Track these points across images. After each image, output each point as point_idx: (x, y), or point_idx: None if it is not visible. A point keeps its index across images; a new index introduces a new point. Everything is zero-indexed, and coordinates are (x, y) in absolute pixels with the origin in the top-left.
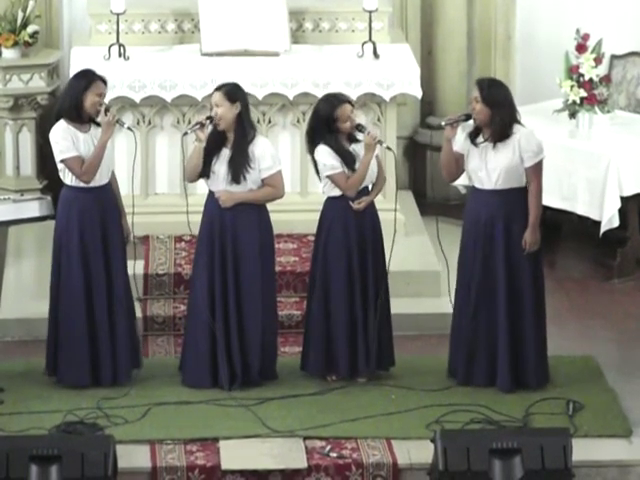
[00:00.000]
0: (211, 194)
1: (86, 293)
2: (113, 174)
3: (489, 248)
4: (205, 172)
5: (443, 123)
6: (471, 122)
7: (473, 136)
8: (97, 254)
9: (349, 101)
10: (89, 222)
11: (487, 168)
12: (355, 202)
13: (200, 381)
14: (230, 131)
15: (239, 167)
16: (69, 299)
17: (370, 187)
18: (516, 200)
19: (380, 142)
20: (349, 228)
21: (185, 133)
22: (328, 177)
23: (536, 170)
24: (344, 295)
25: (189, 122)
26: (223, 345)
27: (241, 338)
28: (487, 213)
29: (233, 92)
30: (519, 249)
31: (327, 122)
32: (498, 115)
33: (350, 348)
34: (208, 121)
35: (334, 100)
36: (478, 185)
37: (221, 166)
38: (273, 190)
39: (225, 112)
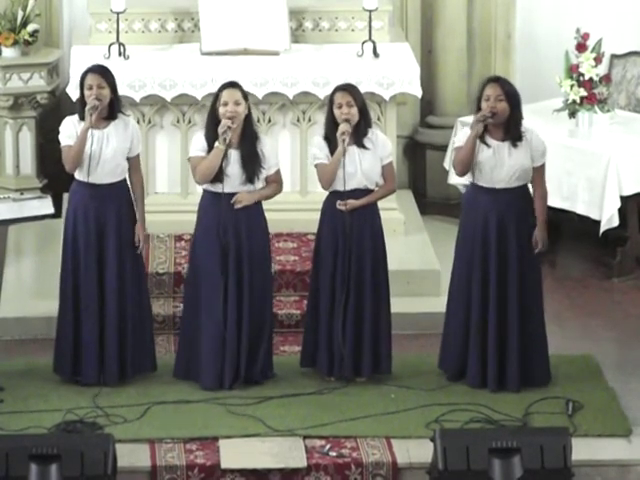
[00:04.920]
0: (214, 195)
1: (74, 291)
2: (139, 179)
3: (503, 246)
4: (218, 176)
5: (478, 119)
6: (467, 119)
7: (480, 135)
8: (89, 249)
9: (345, 89)
10: (82, 218)
11: (504, 167)
12: (339, 202)
13: (215, 382)
14: (236, 131)
15: (254, 167)
16: (63, 295)
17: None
18: (524, 197)
19: (344, 134)
20: (337, 226)
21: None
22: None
23: (543, 170)
24: (329, 293)
25: (189, 121)
26: (235, 344)
27: (250, 335)
28: (499, 211)
29: (244, 90)
30: (529, 246)
31: (331, 109)
32: (517, 113)
33: (329, 348)
34: (230, 121)
35: (337, 86)
36: (485, 184)
37: (233, 168)
38: (278, 186)
39: (243, 110)
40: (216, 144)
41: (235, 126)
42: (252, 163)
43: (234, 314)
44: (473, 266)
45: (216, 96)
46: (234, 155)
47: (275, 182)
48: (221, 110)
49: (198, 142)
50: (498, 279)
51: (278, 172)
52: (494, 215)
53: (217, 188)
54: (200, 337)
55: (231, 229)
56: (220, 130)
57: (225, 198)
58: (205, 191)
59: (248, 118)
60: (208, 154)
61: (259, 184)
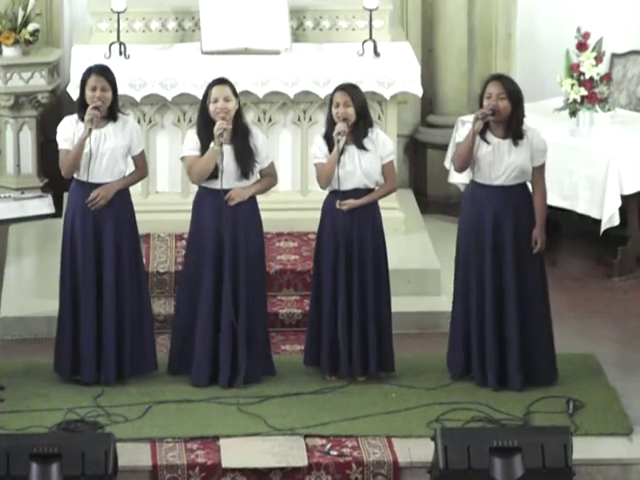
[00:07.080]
0: (209, 192)
1: (73, 290)
2: (141, 173)
3: (499, 242)
4: (214, 173)
5: (477, 117)
6: (467, 118)
7: (481, 132)
8: (87, 249)
9: (344, 88)
10: (80, 217)
11: (503, 164)
12: (338, 202)
13: (204, 379)
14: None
15: (248, 162)
16: (63, 295)
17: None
18: (523, 196)
19: (340, 133)
20: (337, 225)
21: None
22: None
23: (543, 169)
24: (331, 292)
25: (190, 121)
26: (229, 343)
27: (249, 334)
28: (494, 208)
29: (234, 87)
30: (527, 244)
31: (331, 108)
32: (519, 111)
33: (332, 347)
34: (225, 123)
35: (337, 85)
36: (483, 181)
37: (228, 164)
38: (272, 179)
39: (234, 106)
40: (211, 145)
41: (230, 126)
42: (246, 158)
43: (229, 311)
44: (470, 263)
45: (206, 94)
46: (228, 151)
47: (269, 175)
48: (211, 107)
49: (191, 141)
50: (494, 277)
51: (272, 165)
52: (490, 212)
53: (213, 185)
54: (192, 333)
55: (229, 225)
56: (216, 132)
57: (222, 194)
58: (200, 187)
59: (239, 113)
60: (201, 152)
61: (254, 178)
